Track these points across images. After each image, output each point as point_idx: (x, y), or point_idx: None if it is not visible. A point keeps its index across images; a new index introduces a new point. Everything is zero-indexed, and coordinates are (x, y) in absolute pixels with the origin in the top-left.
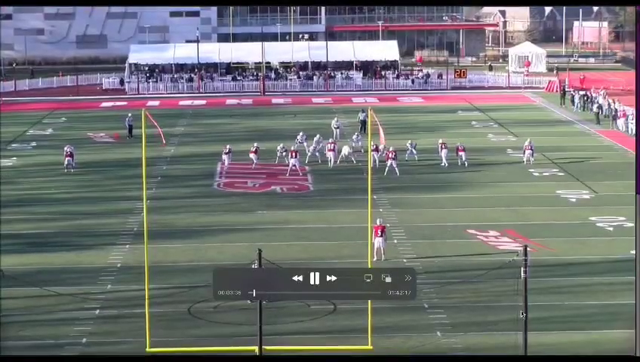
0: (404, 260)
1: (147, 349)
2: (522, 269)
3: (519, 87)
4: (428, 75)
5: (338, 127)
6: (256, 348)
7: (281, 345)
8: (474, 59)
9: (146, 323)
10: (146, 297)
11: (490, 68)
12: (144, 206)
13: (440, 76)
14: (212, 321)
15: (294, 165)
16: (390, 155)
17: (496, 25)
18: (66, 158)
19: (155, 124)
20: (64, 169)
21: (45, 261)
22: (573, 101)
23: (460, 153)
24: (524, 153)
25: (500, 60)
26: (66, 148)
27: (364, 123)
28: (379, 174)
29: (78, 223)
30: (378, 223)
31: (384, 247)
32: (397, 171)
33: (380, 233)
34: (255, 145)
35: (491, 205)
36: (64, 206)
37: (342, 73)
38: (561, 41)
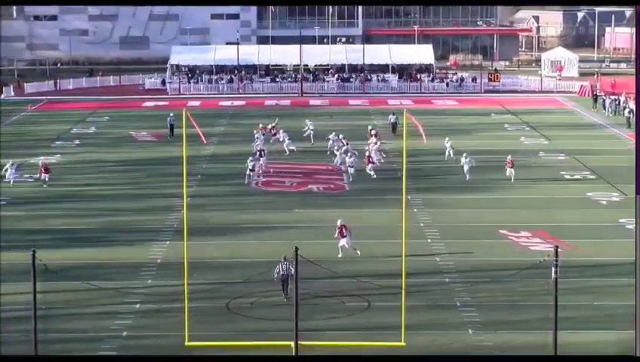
0: (437, 259)
1: (186, 343)
2: (553, 270)
3: (551, 91)
4: (462, 79)
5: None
6: (292, 343)
7: (317, 340)
8: (507, 63)
9: (184, 317)
10: (185, 292)
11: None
12: (184, 203)
13: (474, 80)
14: (249, 316)
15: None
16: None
17: (530, 30)
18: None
19: (195, 124)
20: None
21: (87, 256)
22: (604, 105)
23: (509, 168)
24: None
25: (533, 65)
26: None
27: (394, 125)
28: (413, 175)
29: (120, 220)
30: (339, 224)
31: (348, 245)
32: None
33: (343, 233)
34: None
35: (523, 206)
36: (106, 203)
37: (378, 76)
38: (593, 46)
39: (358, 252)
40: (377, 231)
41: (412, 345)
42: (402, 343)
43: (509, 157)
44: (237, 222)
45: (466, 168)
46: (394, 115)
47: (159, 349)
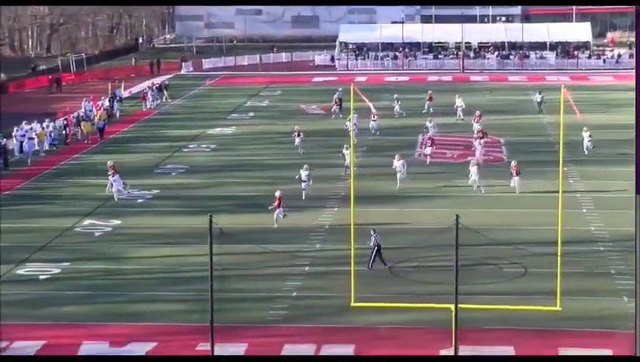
0: (592, 228)
1: (352, 304)
2: None
3: None
4: (619, 55)
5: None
6: (452, 306)
7: (475, 303)
8: None
9: (351, 279)
10: (352, 256)
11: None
12: (351, 172)
13: (631, 56)
14: (411, 280)
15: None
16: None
17: None
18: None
19: (364, 98)
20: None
21: (260, 221)
22: None
23: None
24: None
25: None
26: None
27: (540, 104)
28: (569, 148)
29: (291, 187)
30: (277, 195)
31: (281, 216)
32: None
33: (279, 204)
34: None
35: None
36: (278, 171)
37: (536, 53)
38: None
39: (282, 216)
40: (534, 201)
41: (567, 310)
42: (558, 308)
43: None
44: (400, 191)
45: (585, 143)
46: (540, 93)
47: (327, 309)
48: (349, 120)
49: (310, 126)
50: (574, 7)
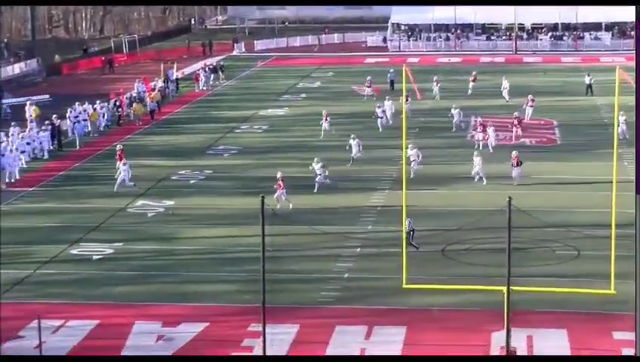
0: None
1: (403, 285)
2: None
3: None
4: None
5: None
6: (504, 288)
7: (527, 286)
8: None
9: (403, 261)
10: (403, 238)
11: None
12: (403, 154)
13: None
14: (463, 262)
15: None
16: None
17: None
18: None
19: (412, 80)
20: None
21: (312, 202)
22: None
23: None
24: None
25: None
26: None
27: (589, 86)
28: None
29: (342, 169)
30: (279, 176)
31: (284, 197)
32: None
33: (281, 186)
34: None
35: None
36: (329, 153)
37: (590, 34)
38: None
39: (290, 205)
40: (586, 184)
41: (622, 293)
42: (612, 291)
43: None
44: (452, 173)
45: (620, 127)
46: (589, 75)
47: (378, 290)
48: (378, 107)
49: (363, 107)
50: None
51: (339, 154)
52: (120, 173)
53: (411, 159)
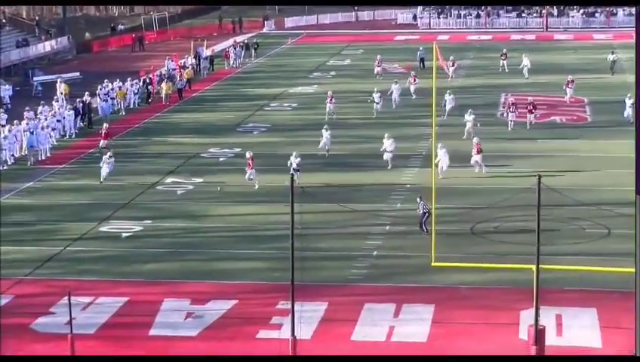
0: None
1: (432, 263)
2: None
3: None
4: None
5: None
6: (533, 267)
7: (557, 264)
8: None
9: (432, 239)
10: (433, 215)
11: None
12: (433, 132)
13: None
14: (492, 240)
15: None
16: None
17: None
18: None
19: (440, 58)
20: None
21: (341, 180)
22: None
23: None
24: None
25: None
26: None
27: (614, 63)
28: None
29: (372, 146)
30: (248, 156)
31: (253, 178)
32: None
33: (251, 165)
34: None
35: None
36: (361, 130)
37: (624, 10)
38: None
39: (256, 185)
40: (617, 162)
41: None
42: None
43: None
44: (483, 151)
45: (627, 110)
46: (613, 53)
47: (407, 268)
48: (376, 91)
49: (392, 85)
50: None
51: (368, 131)
52: (104, 164)
53: (438, 158)
